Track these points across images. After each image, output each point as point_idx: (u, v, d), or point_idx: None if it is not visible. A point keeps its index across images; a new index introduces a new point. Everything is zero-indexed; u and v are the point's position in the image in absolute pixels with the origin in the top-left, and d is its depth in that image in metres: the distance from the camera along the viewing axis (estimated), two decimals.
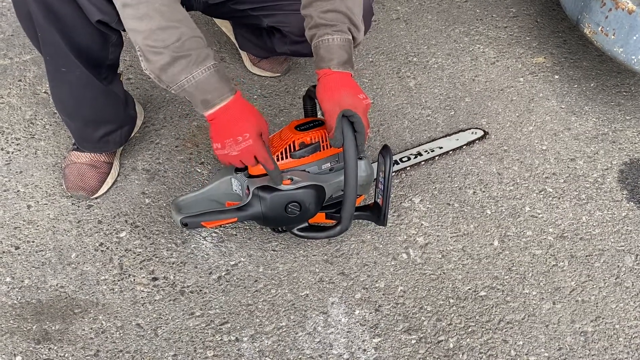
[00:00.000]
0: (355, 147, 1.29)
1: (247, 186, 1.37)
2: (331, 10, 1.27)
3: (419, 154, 1.69)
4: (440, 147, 1.71)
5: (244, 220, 1.40)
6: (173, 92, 1.24)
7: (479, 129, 1.78)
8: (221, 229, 1.52)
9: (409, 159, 1.68)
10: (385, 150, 1.36)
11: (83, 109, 1.47)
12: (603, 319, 1.40)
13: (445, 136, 1.76)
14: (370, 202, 1.49)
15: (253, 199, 1.35)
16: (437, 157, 1.70)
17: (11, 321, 1.34)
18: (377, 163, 1.40)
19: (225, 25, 1.95)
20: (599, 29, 1.68)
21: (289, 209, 1.35)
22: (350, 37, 1.30)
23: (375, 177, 1.44)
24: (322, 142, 1.37)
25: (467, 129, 1.78)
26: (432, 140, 1.74)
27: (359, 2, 1.32)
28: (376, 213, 1.45)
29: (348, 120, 1.27)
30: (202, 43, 1.21)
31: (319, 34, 1.28)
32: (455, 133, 1.77)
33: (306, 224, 1.43)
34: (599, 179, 1.69)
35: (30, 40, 1.40)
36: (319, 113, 1.43)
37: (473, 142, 1.74)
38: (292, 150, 1.35)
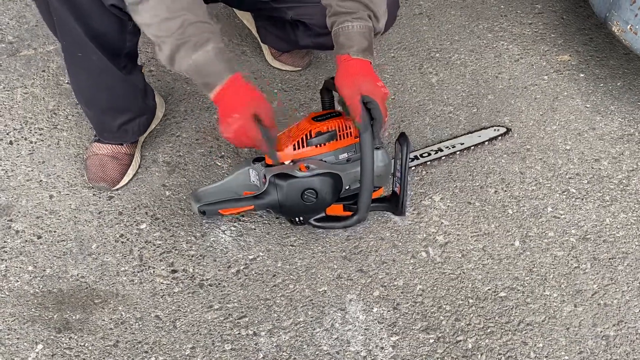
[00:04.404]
0: (372, 133, 1.28)
1: (264, 175, 1.37)
2: None
3: (440, 149, 1.68)
4: (462, 143, 1.70)
5: (261, 208, 1.40)
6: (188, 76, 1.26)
7: (502, 126, 1.76)
8: (240, 222, 1.52)
9: (430, 154, 1.66)
10: (402, 137, 1.35)
11: (100, 96, 1.48)
12: (625, 323, 1.38)
13: (467, 133, 1.74)
14: (388, 194, 1.49)
15: (270, 186, 1.35)
16: (458, 153, 1.68)
17: (33, 309, 1.36)
18: (394, 153, 1.40)
19: (246, 19, 1.94)
20: (628, 27, 1.65)
21: (305, 196, 1.35)
22: (371, 25, 1.29)
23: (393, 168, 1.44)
24: (339, 131, 1.37)
25: (489, 127, 1.76)
26: (454, 138, 1.72)
27: None
28: (394, 202, 1.44)
29: (365, 107, 1.26)
30: (205, 27, 1.21)
31: (339, 21, 1.28)
32: (477, 131, 1.75)
33: (323, 214, 1.43)
34: (623, 181, 1.66)
35: (47, 26, 1.40)
36: (336, 106, 1.42)
37: (495, 138, 1.72)
38: (309, 138, 1.35)
